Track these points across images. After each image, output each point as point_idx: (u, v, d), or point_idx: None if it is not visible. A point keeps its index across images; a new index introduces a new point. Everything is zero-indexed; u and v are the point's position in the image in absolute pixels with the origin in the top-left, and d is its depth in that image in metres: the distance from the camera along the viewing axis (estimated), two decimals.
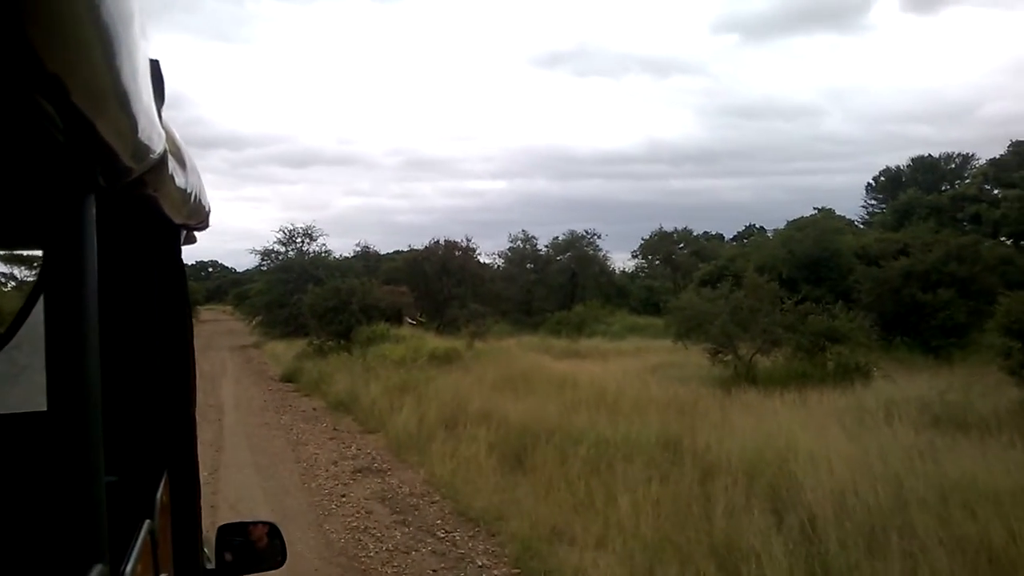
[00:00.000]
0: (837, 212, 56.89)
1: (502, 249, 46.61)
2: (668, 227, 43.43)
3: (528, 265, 44.94)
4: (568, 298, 40.96)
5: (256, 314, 40.90)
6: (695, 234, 41.97)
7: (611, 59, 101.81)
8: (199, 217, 1.93)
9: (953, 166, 54.78)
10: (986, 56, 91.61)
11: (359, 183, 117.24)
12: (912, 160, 55.73)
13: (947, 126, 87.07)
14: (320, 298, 23.63)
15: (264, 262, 39.85)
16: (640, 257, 45.29)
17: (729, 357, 18.31)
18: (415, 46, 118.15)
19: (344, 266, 38.26)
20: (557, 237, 44.48)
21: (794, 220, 35.72)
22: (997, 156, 47.72)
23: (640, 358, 26.41)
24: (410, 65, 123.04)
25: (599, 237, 43.81)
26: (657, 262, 47.89)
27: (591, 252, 43.48)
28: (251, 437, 12.56)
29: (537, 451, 9.44)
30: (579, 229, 43.64)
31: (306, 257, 39.52)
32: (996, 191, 45.54)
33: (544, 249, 44.80)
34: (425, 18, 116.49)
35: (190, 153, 1.57)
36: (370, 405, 14.02)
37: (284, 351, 28.69)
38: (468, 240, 43.44)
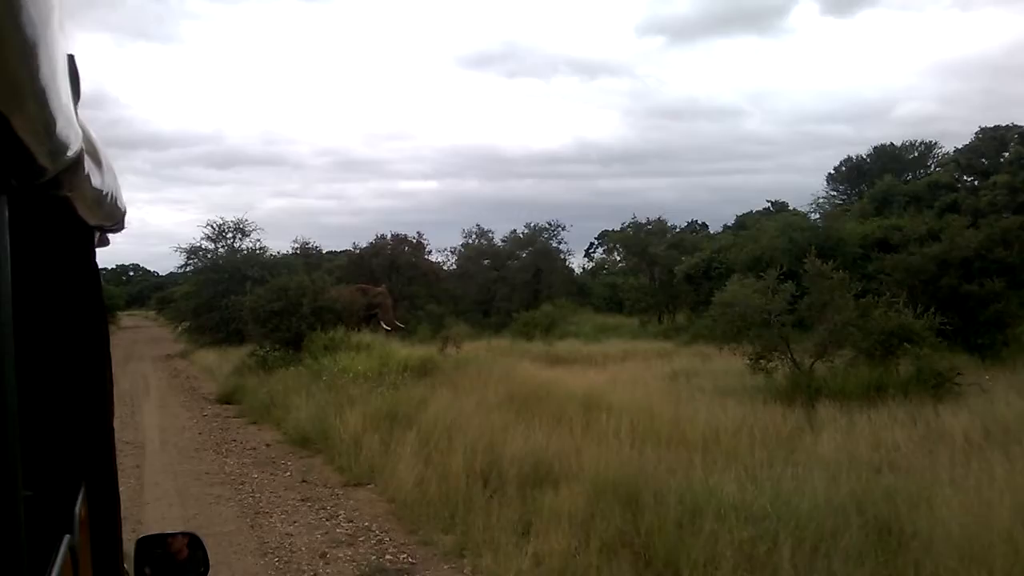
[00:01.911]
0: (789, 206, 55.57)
1: (453, 246, 42.96)
2: (608, 224, 40.57)
3: (484, 262, 41.28)
4: (532, 297, 37.44)
5: (182, 319, 36.46)
6: (673, 226, 38.97)
7: (540, 60, 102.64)
8: (114, 219, 1.85)
9: (916, 155, 53.26)
10: (900, 58, 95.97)
11: (287, 184, 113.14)
12: (874, 149, 54.12)
13: (864, 126, 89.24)
14: (263, 300, 19.63)
15: (191, 261, 35.32)
16: (607, 252, 42.09)
17: (773, 363, 15.04)
18: (344, 46, 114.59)
19: (283, 264, 34.00)
20: (515, 231, 40.97)
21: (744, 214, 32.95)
22: (962, 145, 46.33)
23: (640, 363, 23.09)
24: (339, 65, 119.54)
25: (563, 229, 40.47)
26: (618, 257, 44.81)
27: (555, 246, 40.15)
28: (184, 500, 8.66)
29: (661, 535, 5.88)
30: (541, 221, 40.25)
31: (238, 255, 35.16)
32: (969, 178, 43.95)
33: (502, 244, 41.18)
34: (354, 18, 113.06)
35: (107, 152, 1.49)
36: (349, 442, 10.25)
37: (217, 362, 24.57)
38: (419, 235, 39.73)
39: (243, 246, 35.66)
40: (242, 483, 9.39)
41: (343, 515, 7.85)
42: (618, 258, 45.71)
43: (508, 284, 38.16)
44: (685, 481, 7.39)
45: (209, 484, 9.41)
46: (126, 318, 68.04)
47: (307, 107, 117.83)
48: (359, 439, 10.19)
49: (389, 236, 38.91)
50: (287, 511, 8.10)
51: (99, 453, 1.93)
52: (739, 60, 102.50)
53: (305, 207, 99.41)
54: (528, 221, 41.39)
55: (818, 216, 48.97)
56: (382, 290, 26.66)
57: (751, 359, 15.20)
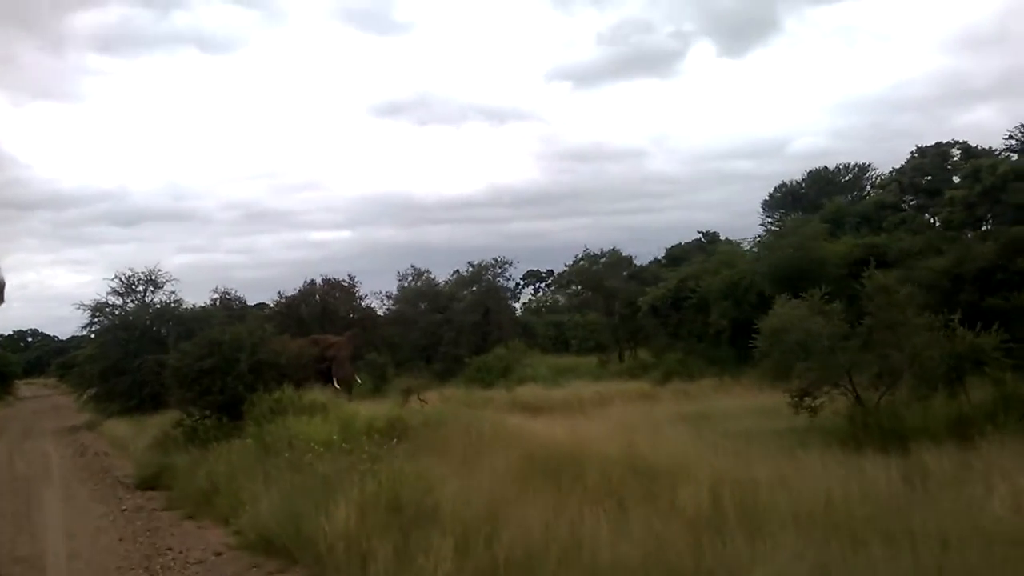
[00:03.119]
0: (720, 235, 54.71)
1: (387, 290, 39.86)
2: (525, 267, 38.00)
3: (421, 305, 38.30)
4: (481, 339, 34.56)
5: (87, 386, 32.29)
6: (629, 257, 36.70)
7: (451, 107, 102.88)
8: None
9: (850, 177, 52.92)
10: (794, 95, 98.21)
11: (193, 239, 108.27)
12: (808, 173, 53.61)
13: (764, 161, 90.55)
14: (190, 357, 16.32)
15: (96, 320, 31.28)
16: (555, 289, 39.62)
17: (819, 399, 12.64)
18: (250, 98, 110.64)
19: (202, 317, 30.30)
20: (457, 271, 38.08)
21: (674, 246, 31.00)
22: (898, 166, 45.93)
23: (624, 407, 20.54)
24: (245, 117, 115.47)
25: (510, 265, 37.77)
26: (561, 297, 42.48)
27: (502, 284, 37.45)
28: None
29: None
30: (486, 259, 37.49)
31: (150, 310, 31.34)
32: (910, 197, 43.45)
33: (444, 285, 38.21)
34: (260, 70, 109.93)
35: None
36: (344, 551, 7.27)
37: (131, 434, 21.02)
38: (351, 279, 36.59)
39: (155, 300, 31.93)
40: None
41: None
42: (561, 298, 43.41)
43: (454, 327, 35.23)
44: None
45: None
46: (24, 387, 62.72)
47: (213, 160, 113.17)
48: (360, 545, 7.21)
49: (319, 281, 35.68)
50: None
51: None
52: (641, 103, 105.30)
53: (214, 262, 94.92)
54: (472, 260, 38.74)
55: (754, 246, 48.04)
56: (338, 340, 23.49)
57: (794, 396, 12.78)
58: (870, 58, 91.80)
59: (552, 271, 57.78)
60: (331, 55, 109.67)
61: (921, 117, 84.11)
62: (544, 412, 21.24)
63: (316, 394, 15.99)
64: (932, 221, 36.10)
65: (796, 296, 26.67)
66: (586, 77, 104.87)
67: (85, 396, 32.93)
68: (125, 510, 11.88)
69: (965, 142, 41.50)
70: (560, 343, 42.18)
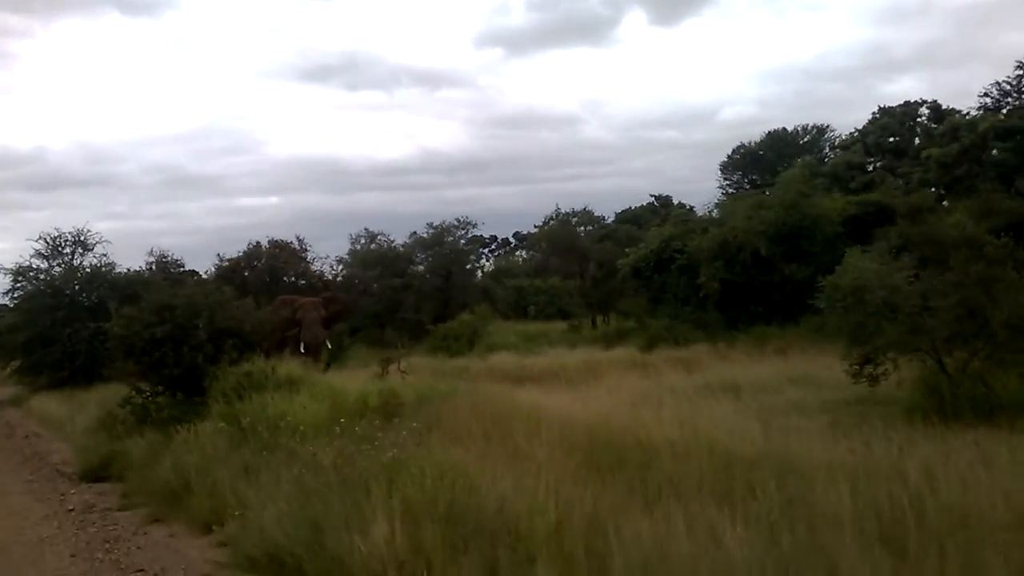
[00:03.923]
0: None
1: (339, 254, 37.44)
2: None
3: (376, 269, 36.00)
4: (443, 305, 32.46)
5: (10, 358, 29.35)
6: (601, 216, 34.86)
7: (382, 72, 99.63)
8: None
9: (808, 138, 52.14)
10: (723, 64, 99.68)
11: (114, 205, 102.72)
12: (767, 134, 52.68)
13: (692, 130, 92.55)
14: (138, 324, 13.97)
15: (18, 284, 28.31)
16: (526, 250, 37.66)
17: (882, 368, 11.06)
18: (175, 60, 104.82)
19: (138, 282, 27.53)
20: (415, 233, 35.76)
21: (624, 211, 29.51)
22: (860, 127, 45.08)
23: (619, 377, 18.76)
24: (171, 80, 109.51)
25: (474, 226, 35.65)
26: (536, 253, 40.50)
27: (465, 247, 35.30)
28: None
29: None
30: (448, 219, 35.23)
31: (79, 274, 28.47)
32: (873, 158, 42.73)
33: (401, 248, 35.88)
34: (186, 32, 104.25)
35: None
36: None
37: (66, 412, 18.58)
38: (300, 240, 34.12)
39: (85, 263, 29.03)
40: None
41: None
42: (521, 260, 41.52)
43: (415, 292, 33.06)
44: None
45: None
46: None
47: (134, 125, 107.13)
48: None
49: (266, 243, 33.10)
50: None
51: None
52: (575, 70, 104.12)
53: (136, 229, 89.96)
54: (431, 221, 36.39)
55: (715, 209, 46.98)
56: (310, 300, 21.16)
57: (855, 363, 11.20)
58: (797, 29, 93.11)
59: (495, 236, 56.33)
60: (258, 17, 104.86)
61: (845, 87, 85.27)
62: (529, 382, 19.44)
63: (290, 366, 13.86)
64: (904, 182, 35.13)
65: (791, 258, 25.56)
66: (519, 43, 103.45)
67: (8, 369, 30.02)
68: (72, 510, 9.68)
69: (935, 101, 40.76)
70: (519, 309, 40.37)
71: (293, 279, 32.82)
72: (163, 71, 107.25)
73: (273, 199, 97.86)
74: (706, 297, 25.24)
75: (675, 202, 54.14)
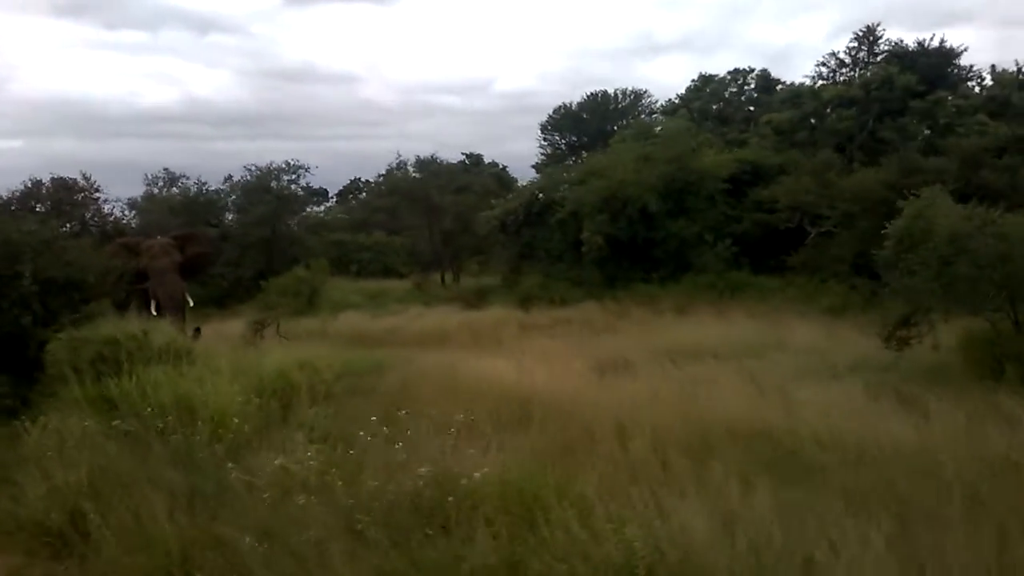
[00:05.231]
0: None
1: (131, 197, 32.08)
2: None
3: (179, 218, 31.09)
4: (266, 260, 28.28)
5: None
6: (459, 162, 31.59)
7: (144, 11, 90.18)
8: None
9: (627, 102, 52.16)
10: (502, 36, 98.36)
11: None
12: (587, 96, 52.21)
13: (470, 97, 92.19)
14: None
15: None
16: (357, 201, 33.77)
17: (915, 333, 9.53)
18: None
19: None
20: (230, 176, 31.05)
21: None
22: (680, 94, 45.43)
23: (539, 340, 16.37)
24: None
25: (307, 171, 31.43)
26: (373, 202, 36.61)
27: (295, 193, 31.13)
28: None
29: None
30: (277, 161, 30.75)
31: None
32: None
33: (217, 194, 31.11)
34: None
35: None
36: None
37: None
38: (88, 179, 28.69)
39: None
40: None
41: None
42: (341, 214, 37.83)
43: (237, 244, 28.65)
44: None
45: None
46: None
47: None
48: None
49: (48, 181, 27.42)
50: None
51: None
52: (355, 27, 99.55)
53: None
54: (249, 164, 31.67)
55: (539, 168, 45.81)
56: (159, 242, 16.69)
57: (890, 326, 9.58)
58: (573, 7, 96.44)
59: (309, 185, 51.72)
60: None
61: (613, 65, 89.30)
62: (416, 347, 16.71)
63: (167, 331, 10.31)
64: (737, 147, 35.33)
65: (681, 212, 24.29)
66: None
67: None
68: None
69: (765, 69, 41.56)
70: (341, 265, 36.89)
71: (87, 226, 27.47)
72: None
73: (16, 143, 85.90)
74: (585, 253, 23.46)
75: (487, 161, 52.43)
